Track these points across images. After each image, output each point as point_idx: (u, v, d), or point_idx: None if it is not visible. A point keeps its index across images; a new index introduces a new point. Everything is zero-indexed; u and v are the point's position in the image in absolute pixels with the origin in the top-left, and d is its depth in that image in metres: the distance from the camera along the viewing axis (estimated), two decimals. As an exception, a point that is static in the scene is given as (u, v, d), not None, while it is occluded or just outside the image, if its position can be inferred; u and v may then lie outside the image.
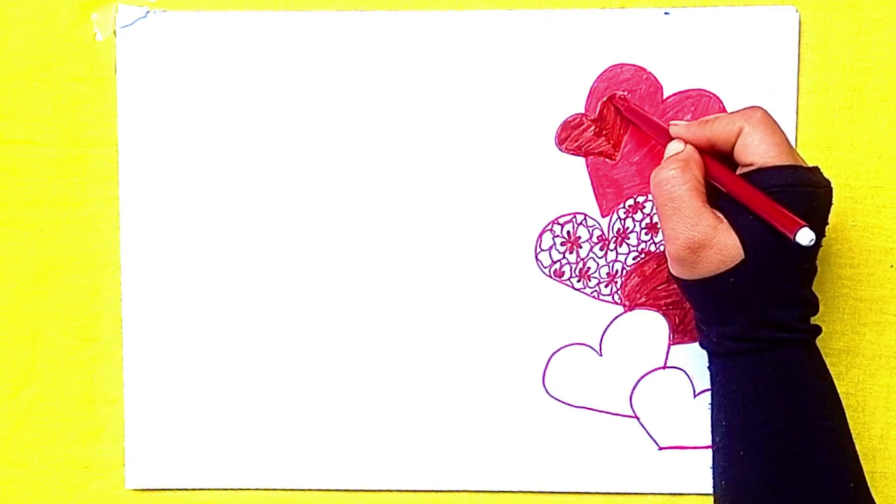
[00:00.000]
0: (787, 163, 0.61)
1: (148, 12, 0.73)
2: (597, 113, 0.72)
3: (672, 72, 0.71)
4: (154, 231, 0.73)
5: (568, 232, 0.73)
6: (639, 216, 0.72)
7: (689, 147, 0.65)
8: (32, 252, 0.74)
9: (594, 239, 0.73)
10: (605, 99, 0.72)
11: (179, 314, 0.74)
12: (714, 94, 0.71)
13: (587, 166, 0.72)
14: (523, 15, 0.72)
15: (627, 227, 0.72)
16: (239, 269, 0.73)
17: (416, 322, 0.73)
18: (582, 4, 0.72)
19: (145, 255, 0.73)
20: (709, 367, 0.66)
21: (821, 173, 0.63)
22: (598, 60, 0.72)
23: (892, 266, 0.73)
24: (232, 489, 0.75)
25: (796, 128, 0.72)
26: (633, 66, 0.72)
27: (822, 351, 0.72)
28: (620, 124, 0.72)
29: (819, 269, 0.72)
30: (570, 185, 0.72)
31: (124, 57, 0.73)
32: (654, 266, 0.73)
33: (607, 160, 0.72)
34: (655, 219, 0.72)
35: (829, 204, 0.63)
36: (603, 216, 0.72)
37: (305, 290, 0.73)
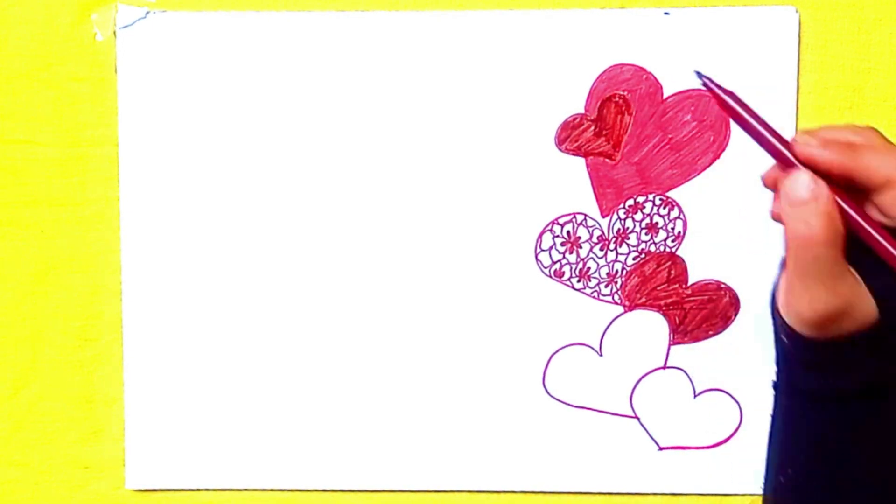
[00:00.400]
0: None
1: (148, 12, 0.73)
2: (596, 113, 0.72)
3: (672, 72, 0.71)
4: (154, 231, 0.73)
5: (568, 232, 0.73)
6: (639, 216, 0.72)
7: (824, 187, 0.52)
8: (32, 252, 0.74)
9: (594, 239, 0.73)
10: (604, 99, 0.72)
11: (179, 314, 0.74)
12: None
13: (587, 166, 0.72)
14: (523, 15, 0.72)
15: (627, 228, 0.72)
16: (239, 270, 0.73)
17: (416, 322, 0.73)
18: (582, 4, 0.72)
19: (145, 255, 0.73)
20: (792, 410, 0.57)
21: None
22: (598, 60, 0.72)
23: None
24: (232, 489, 0.75)
25: (796, 128, 0.72)
26: (633, 66, 0.72)
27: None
28: (620, 124, 0.72)
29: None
30: (570, 185, 0.72)
31: (124, 57, 0.73)
32: (654, 266, 0.73)
33: (607, 160, 0.72)
34: (656, 219, 0.72)
35: None
36: (603, 216, 0.72)
37: (305, 290, 0.73)
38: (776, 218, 0.56)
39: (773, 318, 0.56)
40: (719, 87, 0.56)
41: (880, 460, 0.57)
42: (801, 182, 0.52)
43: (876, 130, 0.55)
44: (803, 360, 0.55)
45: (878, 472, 0.57)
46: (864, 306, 0.52)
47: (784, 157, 0.54)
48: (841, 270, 0.52)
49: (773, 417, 0.58)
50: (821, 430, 0.57)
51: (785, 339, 0.55)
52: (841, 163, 0.52)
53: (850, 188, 0.53)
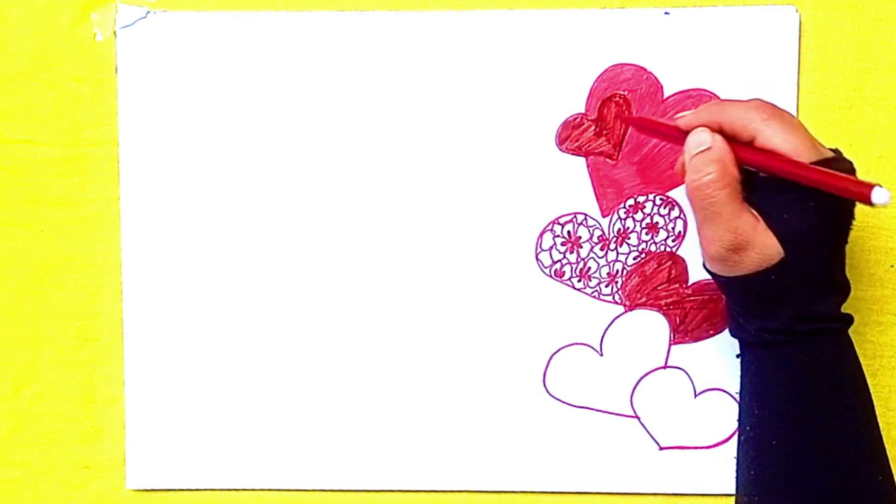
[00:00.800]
0: (817, 157, 0.60)
1: (148, 12, 0.73)
2: (597, 113, 0.72)
3: (672, 72, 0.71)
4: (155, 231, 0.73)
5: (568, 232, 0.73)
6: (639, 216, 0.72)
7: (717, 138, 0.62)
8: (32, 252, 0.74)
9: (594, 239, 0.73)
10: (605, 99, 0.72)
11: (180, 314, 0.74)
12: (714, 94, 0.71)
13: (587, 166, 0.72)
14: (523, 15, 0.72)
15: (628, 227, 0.72)
16: (240, 270, 0.73)
17: (417, 322, 0.73)
18: (582, 4, 0.72)
19: (146, 255, 0.73)
20: (740, 357, 0.66)
21: (842, 155, 0.63)
22: (599, 60, 0.72)
23: (892, 266, 0.73)
24: (232, 489, 0.75)
25: (796, 128, 0.72)
26: (634, 65, 0.72)
27: (823, 350, 0.72)
28: (621, 124, 0.72)
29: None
30: (571, 185, 0.72)
31: (124, 57, 0.73)
32: (655, 266, 0.73)
33: (608, 160, 0.72)
34: (656, 219, 0.72)
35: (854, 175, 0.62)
36: (603, 216, 0.72)
37: (306, 290, 0.73)
38: (679, 172, 0.66)
39: (707, 272, 0.65)
40: (629, 119, 0.70)
41: (818, 404, 0.62)
42: (695, 137, 0.62)
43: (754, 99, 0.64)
44: (733, 307, 0.65)
45: (819, 416, 0.62)
46: (765, 241, 0.60)
47: (678, 135, 0.64)
48: (736, 209, 0.60)
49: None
50: (760, 377, 0.63)
51: (719, 286, 0.65)
52: (710, 118, 0.62)
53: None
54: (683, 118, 0.64)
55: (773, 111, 0.62)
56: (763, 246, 0.60)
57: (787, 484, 0.62)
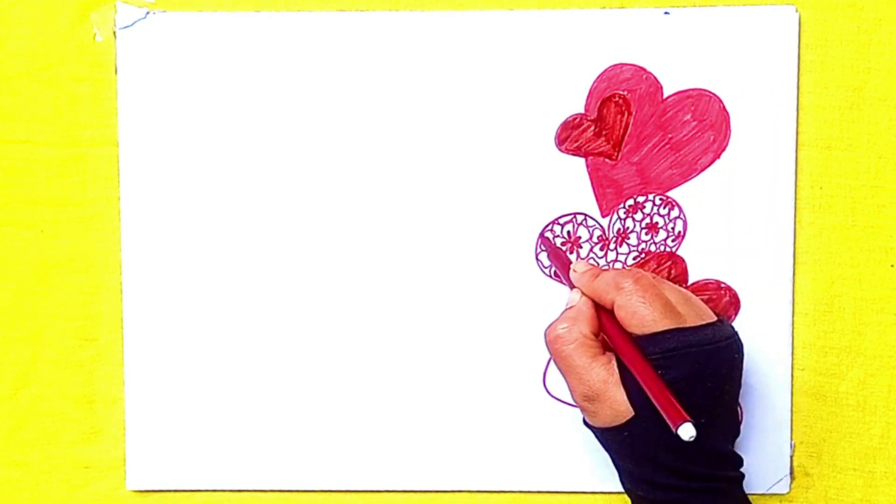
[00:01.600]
0: (666, 327, 0.62)
1: (148, 12, 0.73)
2: (596, 113, 0.72)
3: (672, 71, 0.71)
4: (155, 231, 0.73)
5: (568, 232, 0.73)
6: (639, 216, 0.72)
7: (583, 300, 0.67)
8: (32, 252, 0.74)
9: (594, 239, 0.73)
10: (604, 99, 0.72)
11: (180, 314, 0.74)
12: (714, 94, 0.71)
13: (587, 166, 0.72)
14: (523, 15, 0.72)
15: (627, 227, 0.72)
16: (240, 270, 0.73)
17: (417, 322, 0.73)
18: (582, 4, 0.72)
19: (146, 254, 0.73)
20: None
21: (722, 325, 0.65)
22: (598, 60, 0.72)
23: (892, 266, 0.73)
24: (232, 490, 0.75)
25: (796, 128, 0.72)
26: (633, 65, 0.72)
27: (824, 350, 0.73)
28: (620, 124, 0.72)
29: (820, 268, 0.72)
30: (570, 185, 0.72)
31: (124, 57, 0.73)
32: (655, 266, 0.73)
33: (607, 160, 0.72)
34: (656, 218, 0.72)
35: (734, 355, 0.65)
36: (603, 216, 0.72)
37: (306, 291, 0.73)
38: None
39: None
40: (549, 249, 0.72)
41: None
42: (571, 295, 0.68)
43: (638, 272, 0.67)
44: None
45: None
46: (615, 397, 0.63)
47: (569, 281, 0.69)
48: (588, 367, 0.64)
49: None
50: None
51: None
52: (588, 285, 0.67)
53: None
54: (574, 274, 0.69)
55: (634, 288, 0.64)
56: (612, 401, 0.63)
57: None
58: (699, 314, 0.65)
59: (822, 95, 0.72)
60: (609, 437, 0.65)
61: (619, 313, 0.64)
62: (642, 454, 0.63)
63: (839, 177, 0.72)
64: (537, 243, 0.73)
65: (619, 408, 0.63)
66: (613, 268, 0.71)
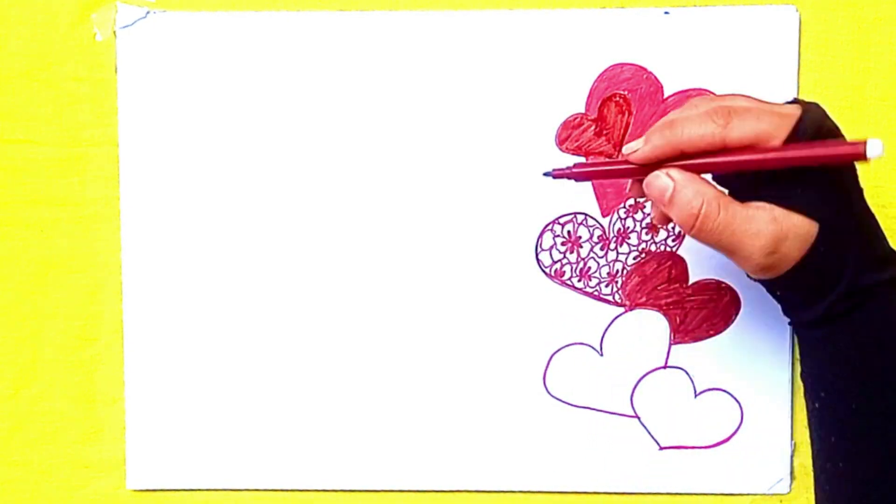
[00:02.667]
0: (788, 127, 0.57)
1: (148, 12, 0.73)
2: (597, 113, 0.72)
3: (672, 71, 0.71)
4: (154, 231, 0.73)
5: (568, 232, 0.73)
6: (639, 216, 0.72)
7: (675, 174, 0.59)
8: (32, 252, 0.74)
9: (595, 239, 0.73)
10: (605, 98, 0.72)
11: (180, 314, 0.74)
12: (714, 94, 0.71)
13: (587, 166, 0.72)
14: (523, 15, 0.72)
15: (628, 227, 0.72)
16: (240, 269, 0.73)
17: (417, 322, 0.73)
18: (582, 4, 0.72)
19: (146, 254, 0.73)
20: (799, 339, 0.63)
21: (804, 102, 0.60)
22: (599, 60, 0.72)
23: (892, 266, 0.73)
24: (233, 489, 0.75)
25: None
26: (634, 65, 0.72)
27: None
28: (621, 124, 0.72)
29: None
30: (571, 184, 0.72)
31: (124, 57, 0.73)
32: (655, 266, 0.73)
33: (607, 160, 0.72)
34: (656, 218, 0.72)
35: (825, 115, 0.60)
36: (603, 216, 0.72)
37: (306, 291, 0.73)
38: (662, 222, 0.63)
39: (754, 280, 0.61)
40: (567, 170, 0.63)
41: (890, 362, 0.60)
42: (656, 183, 0.59)
43: (740, 96, 0.60)
44: (792, 298, 0.61)
45: (893, 373, 0.60)
46: (794, 223, 0.57)
47: (632, 173, 0.60)
48: (749, 218, 0.57)
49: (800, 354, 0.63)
50: (828, 350, 0.60)
51: (771, 294, 0.61)
52: (665, 143, 0.58)
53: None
54: (635, 153, 0.60)
55: (727, 111, 0.58)
56: (795, 228, 0.57)
57: (872, 445, 0.60)
58: (785, 109, 0.59)
59: (822, 95, 0.72)
60: (806, 268, 0.58)
61: (744, 138, 0.57)
62: (840, 258, 0.58)
63: (839, 177, 0.72)
64: (537, 243, 0.73)
65: (802, 231, 0.57)
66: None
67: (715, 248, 0.59)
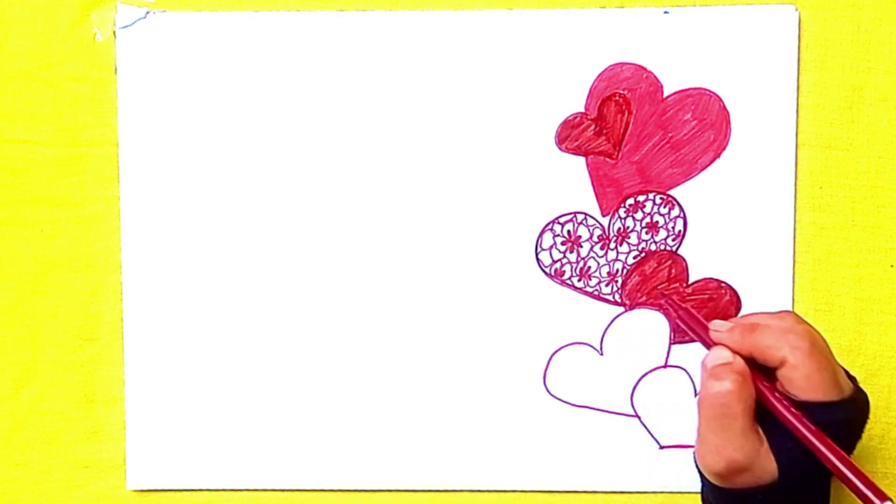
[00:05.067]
0: (833, 398, 0.60)
1: (148, 12, 0.73)
2: (597, 112, 0.72)
3: (672, 71, 0.71)
4: (154, 231, 0.73)
5: (568, 231, 0.73)
6: (639, 215, 0.72)
7: (738, 359, 0.62)
8: (32, 252, 0.74)
9: (594, 238, 0.73)
10: (605, 98, 0.72)
11: (180, 314, 0.74)
12: (714, 93, 0.71)
13: (587, 165, 0.72)
14: (523, 15, 0.72)
15: (628, 227, 0.72)
16: (240, 269, 0.73)
17: (417, 322, 0.73)
18: (582, 4, 0.72)
19: (146, 254, 0.73)
20: None
21: (858, 391, 0.63)
22: (598, 59, 0.72)
23: (892, 266, 0.73)
24: (233, 489, 0.75)
25: (796, 128, 0.72)
26: (633, 65, 0.72)
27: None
28: (621, 123, 0.72)
29: (820, 268, 0.72)
30: (571, 184, 0.72)
31: (124, 57, 0.73)
32: (655, 265, 0.73)
33: (607, 159, 0.72)
34: (656, 218, 0.72)
35: (867, 415, 0.63)
36: (603, 215, 0.72)
37: (306, 291, 0.73)
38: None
39: (695, 463, 0.64)
40: (678, 306, 0.70)
41: None
42: (717, 352, 0.63)
43: (792, 314, 0.65)
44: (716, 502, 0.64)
45: None
46: (766, 464, 0.60)
47: (705, 341, 0.65)
48: (748, 433, 0.60)
49: None
50: None
51: (703, 483, 0.64)
52: (743, 341, 0.62)
53: (763, 367, 0.62)
54: (717, 333, 0.64)
55: (809, 351, 0.61)
56: (761, 470, 0.60)
57: None
58: (845, 378, 0.63)
59: (821, 95, 0.72)
60: (736, 497, 0.61)
61: (789, 373, 0.61)
62: None
63: (839, 177, 0.72)
64: (537, 243, 0.72)
65: (765, 476, 0.60)
66: (760, 315, 0.66)
67: (703, 422, 0.62)
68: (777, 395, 0.61)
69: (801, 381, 0.60)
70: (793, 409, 0.60)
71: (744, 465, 0.60)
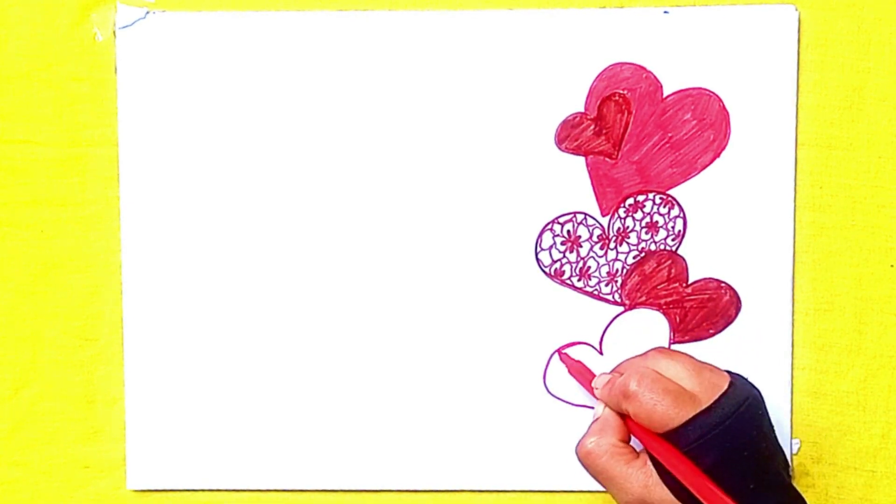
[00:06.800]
0: (684, 418, 0.62)
1: (148, 12, 0.73)
2: (596, 112, 0.72)
3: (672, 70, 0.71)
4: (154, 231, 0.73)
5: (568, 231, 0.73)
6: (639, 215, 0.72)
7: (607, 410, 0.68)
8: (32, 252, 0.74)
9: (594, 238, 0.73)
10: (604, 98, 0.72)
11: (180, 314, 0.74)
12: (714, 93, 0.71)
13: (587, 165, 0.72)
14: (523, 14, 0.72)
15: (627, 226, 0.72)
16: (240, 269, 0.73)
17: (417, 322, 0.73)
18: (582, 4, 0.72)
19: (146, 254, 0.73)
20: None
21: (735, 388, 0.64)
22: (598, 59, 0.72)
23: (892, 266, 0.73)
24: (233, 490, 0.75)
25: (796, 128, 0.72)
26: (633, 64, 0.72)
27: (824, 349, 0.73)
28: (620, 123, 0.72)
29: (820, 268, 0.72)
30: (570, 184, 0.72)
31: (124, 57, 0.73)
32: (655, 265, 0.73)
33: (607, 159, 0.72)
34: (656, 217, 0.72)
35: (758, 412, 0.64)
36: (603, 215, 0.73)
37: (306, 291, 0.73)
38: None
39: None
40: (569, 358, 0.73)
41: None
42: (595, 409, 0.69)
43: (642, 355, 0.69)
44: None
45: None
46: (663, 497, 0.63)
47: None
48: (626, 476, 0.64)
49: None
50: None
51: None
52: (603, 398, 0.68)
53: None
54: (596, 390, 0.70)
55: (625, 385, 0.65)
56: (661, 500, 0.63)
57: None
58: (712, 383, 0.64)
59: (822, 95, 0.72)
60: None
61: (638, 420, 0.64)
62: None
63: (839, 177, 0.72)
64: (537, 242, 0.72)
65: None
66: (626, 360, 0.71)
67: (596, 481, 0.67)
68: (643, 430, 0.65)
69: (646, 421, 0.64)
70: (654, 436, 0.64)
71: (636, 501, 0.64)
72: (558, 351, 0.73)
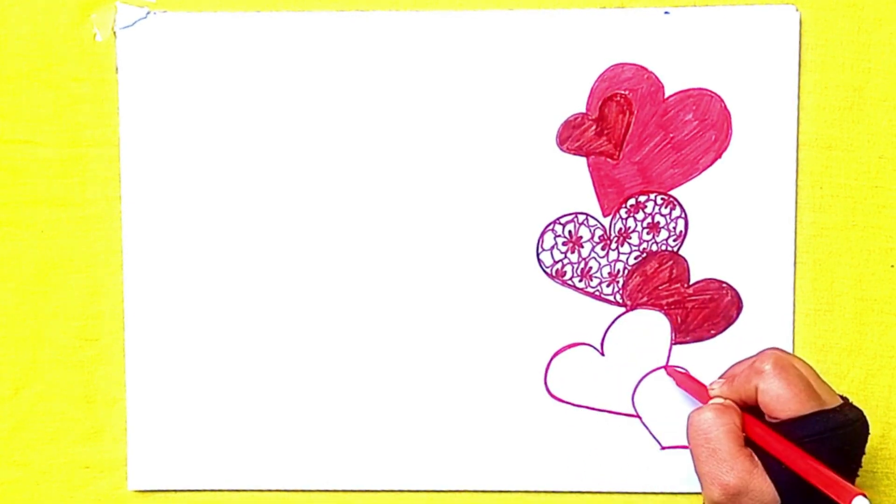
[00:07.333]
0: (810, 410, 0.62)
1: (148, 12, 0.72)
2: (598, 112, 0.72)
3: (673, 71, 0.71)
4: (155, 231, 0.73)
5: (569, 232, 0.73)
6: (640, 216, 0.72)
7: (727, 400, 0.67)
8: (32, 252, 0.74)
9: (596, 238, 0.73)
10: (606, 98, 0.72)
11: (181, 314, 0.74)
12: (715, 94, 0.71)
13: (588, 166, 0.72)
14: (523, 15, 0.72)
15: (629, 227, 0.72)
16: (240, 270, 0.73)
17: (418, 322, 0.73)
18: (582, 4, 0.72)
19: (147, 255, 0.73)
20: None
21: (849, 406, 0.65)
22: (599, 60, 0.72)
23: (892, 266, 0.73)
24: (234, 490, 0.75)
25: (797, 128, 0.72)
26: (634, 65, 0.72)
27: (824, 350, 0.73)
28: (622, 124, 0.72)
29: (820, 269, 0.72)
30: (572, 184, 0.72)
31: (124, 57, 0.73)
32: (656, 265, 0.73)
33: (608, 160, 0.72)
34: (658, 218, 0.72)
35: (866, 434, 0.64)
36: (604, 216, 0.73)
37: (307, 291, 0.73)
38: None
39: None
40: (677, 371, 0.73)
41: None
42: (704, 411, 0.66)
43: (770, 349, 0.67)
44: None
45: None
46: (762, 487, 0.61)
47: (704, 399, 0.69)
48: (735, 454, 0.62)
49: None
50: None
51: None
52: (727, 394, 0.67)
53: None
54: (711, 389, 0.69)
55: (773, 371, 0.64)
56: (759, 492, 0.62)
57: None
58: (831, 393, 0.65)
59: (822, 95, 0.72)
60: None
61: (763, 398, 0.64)
62: None
63: (839, 177, 0.72)
64: (538, 243, 0.72)
65: (765, 498, 0.62)
66: (743, 361, 0.70)
67: (693, 453, 0.65)
68: (755, 419, 0.64)
69: (772, 401, 0.63)
70: (765, 427, 0.63)
71: (738, 487, 0.62)
72: (664, 367, 0.73)
